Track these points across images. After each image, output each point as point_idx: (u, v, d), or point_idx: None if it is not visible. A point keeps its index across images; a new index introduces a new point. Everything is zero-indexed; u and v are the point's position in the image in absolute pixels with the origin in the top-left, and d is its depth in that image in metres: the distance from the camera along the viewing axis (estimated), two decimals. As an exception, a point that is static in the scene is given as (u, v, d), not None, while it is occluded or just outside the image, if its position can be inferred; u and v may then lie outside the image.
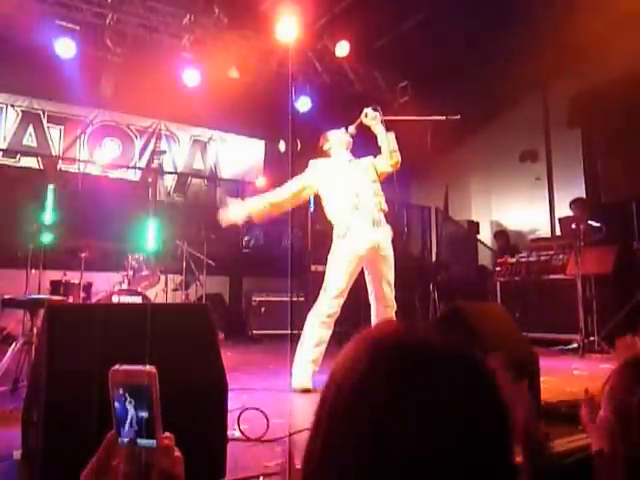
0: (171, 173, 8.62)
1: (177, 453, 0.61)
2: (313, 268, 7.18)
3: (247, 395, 3.29)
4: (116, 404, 0.60)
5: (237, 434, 2.41)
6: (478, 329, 2.70)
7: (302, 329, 4.01)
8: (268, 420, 2.52)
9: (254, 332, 6.95)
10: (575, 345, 5.78)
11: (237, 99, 7.43)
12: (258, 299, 7.09)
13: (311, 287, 7.14)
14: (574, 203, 7.15)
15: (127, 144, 8.31)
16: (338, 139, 4.29)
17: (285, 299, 6.97)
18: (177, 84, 7.34)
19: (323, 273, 7.42)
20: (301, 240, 7.58)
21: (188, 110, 7.81)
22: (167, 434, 0.61)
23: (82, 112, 7.94)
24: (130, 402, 0.59)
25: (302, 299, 6.96)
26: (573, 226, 6.57)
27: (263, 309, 7.01)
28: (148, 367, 0.60)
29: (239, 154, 9.17)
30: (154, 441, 0.60)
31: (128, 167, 8.25)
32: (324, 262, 7.53)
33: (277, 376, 4.04)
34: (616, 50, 6.27)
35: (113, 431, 0.60)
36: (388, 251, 4.05)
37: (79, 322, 1.92)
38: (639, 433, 0.88)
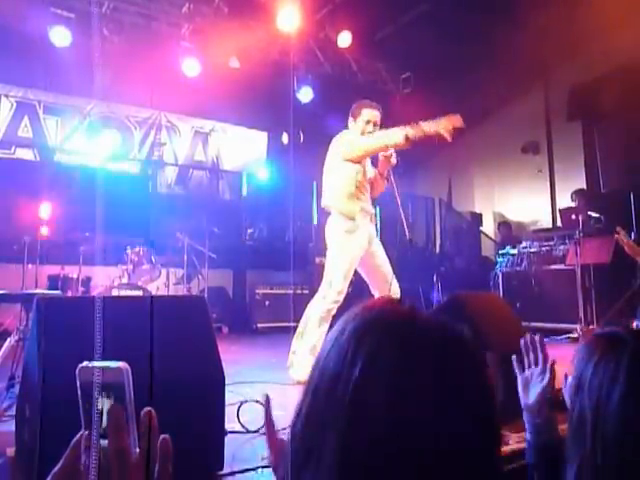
0: (172, 165, 8.33)
1: (135, 458, 0.56)
2: (317, 260, 7.01)
3: (249, 388, 3.23)
4: (86, 402, 0.57)
5: (237, 427, 2.38)
6: (476, 319, 2.69)
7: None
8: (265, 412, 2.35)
9: (258, 325, 6.75)
10: (575, 334, 5.75)
11: (238, 89, 7.20)
12: (262, 292, 6.89)
13: (315, 279, 6.98)
14: (575, 194, 7.13)
15: (126, 135, 8.01)
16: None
17: (289, 292, 6.80)
18: (177, 74, 7.06)
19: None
20: (305, 232, 7.36)
21: (188, 101, 7.55)
22: (164, 436, 0.58)
23: (79, 103, 7.61)
24: (102, 400, 0.56)
25: (306, 292, 6.76)
26: (573, 217, 6.57)
27: (267, 302, 6.80)
28: (120, 363, 0.57)
29: (241, 146, 8.91)
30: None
31: (128, 159, 7.95)
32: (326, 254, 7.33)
33: (280, 369, 3.91)
34: (615, 43, 6.20)
35: (83, 431, 0.57)
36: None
37: (72, 316, 1.81)
38: (589, 398, 0.87)
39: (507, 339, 2.96)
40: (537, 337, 1.34)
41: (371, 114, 3.99)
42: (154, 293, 5.53)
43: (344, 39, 7.59)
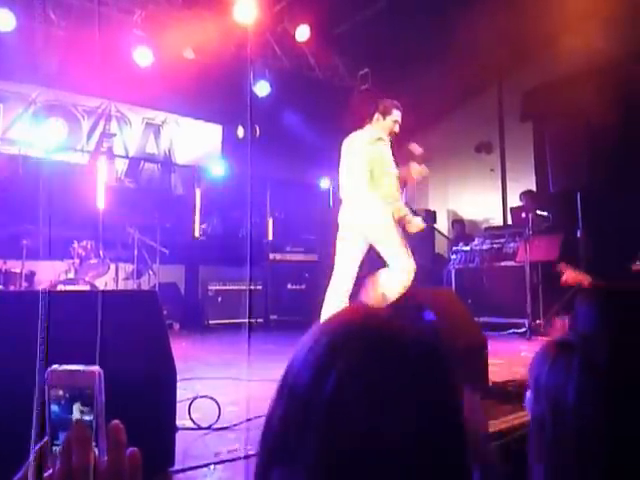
0: (122, 157, 8.13)
1: (102, 472, 0.55)
2: (272, 257, 7.02)
3: (201, 384, 3.28)
4: (54, 407, 0.55)
5: (189, 423, 2.40)
6: (435, 312, 2.84)
7: (259, 318, 3.85)
8: (220, 408, 2.50)
9: (210, 322, 6.69)
10: (523, 329, 6.04)
11: (193, 81, 7.08)
12: (214, 288, 6.83)
13: (270, 276, 6.99)
14: (523, 194, 7.38)
15: (73, 125, 7.76)
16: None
17: (242, 288, 6.78)
18: (128, 63, 6.87)
19: (281, 262, 7.27)
20: (259, 228, 7.35)
21: (140, 91, 7.36)
22: (133, 449, 0.56)
23: (23, 90, 7.31)
24: (72, 405, 0.54)
25: (260, 287, 6.77)
26: (523, 215, 6.82)
27: (220, 298, 6.75)
28: (93, 367, 0.55)
29: (195, 139, 8.78)
30: (97, 450, 0.54)
31: (75, 150, 7.71)
32: (283, 251, 7.36)
33: (232, 365, 3.99)
34: (565, 49, 6.44)
35: (46, 439, 0.55)
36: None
37: (11, 311, 1.81)
38: (546, 401, 0.88)
39: (461, 333, 3.11)
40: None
41: (399, 116, 4.16)
42: (102, 289, 5.41)
43: (302, 33, 7.58)
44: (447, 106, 8.67)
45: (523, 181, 8.27)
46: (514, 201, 8.05)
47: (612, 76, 6.49)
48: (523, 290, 6.23)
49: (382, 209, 3.88)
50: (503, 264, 6.82)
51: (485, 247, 7.15)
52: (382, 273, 3.86)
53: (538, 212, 6.82)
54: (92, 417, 0.54)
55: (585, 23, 6.20)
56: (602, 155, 6.94)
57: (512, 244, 6.83)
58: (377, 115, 4.16)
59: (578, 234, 6.68)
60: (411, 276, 3.75)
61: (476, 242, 7.37)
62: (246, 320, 6.48)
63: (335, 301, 3.87)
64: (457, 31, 6.88)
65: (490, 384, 3.08)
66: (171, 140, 8.64)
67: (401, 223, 4.04)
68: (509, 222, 7.84)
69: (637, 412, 0.83)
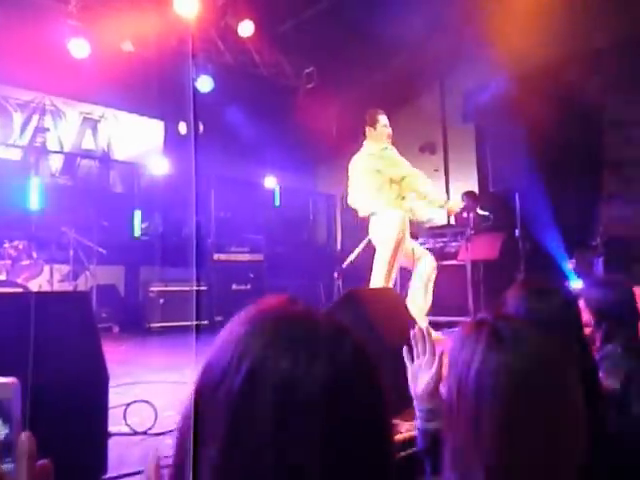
0: (57, 153, 7.83)
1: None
2: (216, 257, 6.94)
3: (140, 389, 3.25)
4: None
5: (125, 429, 2.37)
6: (371, 313, 2.87)
7: (204, 320, 3.93)
8: (156, 412, 2.48)
9: (152, 325, 6.54)
10: None
11: (132, 75, 6.94)
12: (156, 289, 6.67)
13: (214, 276, 6.92)
14: (465, 194, 7.58)
15: (4, 119, 7.42)
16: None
17: (185, 289, 6.66)
18: (63, 55, 6.63)
19: (226, 262, 7.21)
20: (203, 228, 7.26)
21: (76, 84, 7.13)
22: (44, 461, 0.53)
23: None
24: None
25: (204, 288, 6.67)
26: (464, 215, 7.02)
27: (162, 300, 6.61)
28: (9, 379, 0.54)
29: (135, 135, 8.56)
30: (12, 465, 0.52)
31: (7, 144, 7.38)
32: (227, 251, 7.30)
33: (173, 368, 3.90)
34: (509, 50, 6.55)
35: None
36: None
37: None
38: (454, 376, 0.94)
39: (400, 331, 3.18)
40: (424, 329, 1.42)
41: (385, 118, 4.47)
42: (35, 291, 5.22)
43: (246, 28, 7.52)
44: (391, 106, 8.78)
45: (466, 181, 8.51)
46: (457, 200, 8.31)
47: (550, 77, 6.75)
48: (465, 288, 6.24)
49: (387, 223, 4.30)
50: (445, 263, 6.90)
51: (428, 246, 7.24)
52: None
53: (479, 212, 7.09)
54: (7, 430, 0.53)
55: (524, 25, 6.35)
56: (540, 155, 7.21)
57: (454, 243, 7.03)
58: (367, 128, 4.47)
59: (516, 233, 6.98)
60: None
61: (420, 241, 7.55)
62: (189, 323, 6.38)
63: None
64: (400, 31, 7.03)
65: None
66: (110, 136, 8.39)
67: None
68: (451, 221, 7.99)
69: (532, 383, 0.87)
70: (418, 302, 4.39)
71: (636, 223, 7.06)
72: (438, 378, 1.32)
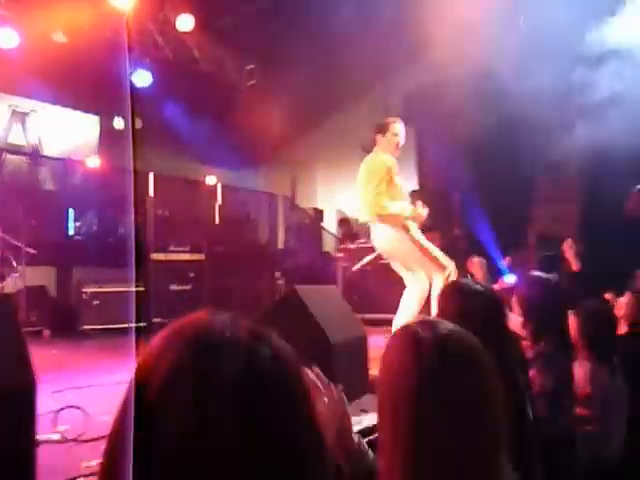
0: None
1: None
2: (154, 256, 6.83)
3: (73, 394, 3.21)
4: None
5: (55, 436, 2.34)
6: (313, 311, 2.91)
7: (142, 321, 3.88)
8: (88, 418, 2.47)
9: (86, 327, 6.38)
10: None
11: (65, 68, 6.74)
12: (90, 291, 6.51)
13: (152, 276, 6.82)
14: (412, 194, 7.78)
15: None
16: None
17: (121, 290, 6.53)
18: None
19: (164, 262, 7.11)
20: (139, 227, 7.14)
21: (4, 76, 6.88)
22: None
23: None
24: None
25: (141, 289, 6.57)
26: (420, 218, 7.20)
27: (96, 302, 6.46)
28: None
29: (68, 129, 8.32)
30: None
31: None
32: (166, 250, 7.20)
33: (108, 372, 3.84)
34: (450, 53, 6.71)
35: None
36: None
37: None
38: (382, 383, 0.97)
39: (342, 329, 3.28)
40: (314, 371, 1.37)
41: (400, 128, 4.40)
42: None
43: (185, 23, 7.49)
44: (334, 105, 8.95)
45: (407, 181, 8.73)
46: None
47: (485, 82, 6.85)
48: (404, 286, 6.60)
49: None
50: (387, 261, 7.19)
51: (370, 245, 7.49)
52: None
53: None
54: None
55: (462, 31, 6.46)
56: (476, 156, 7.50)
57: None
58: (377, 136, 4.41)
59: (455, 231, 7.21)
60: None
61: (362, 240, 7.65)
62: (125, 325, 6.27)
63: None
64: (341, 32, 7.13)
65: (371, 378, 3.18)
66: (40, 130, 8.12)
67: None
68: None
69: (449, 384, 0.91)
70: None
71: (567, 222, 7.46)
72: (344, 419, 1.30)
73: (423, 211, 4.43)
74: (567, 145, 7.57)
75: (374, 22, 6.97)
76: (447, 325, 1.03)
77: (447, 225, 7.00)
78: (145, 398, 0.57)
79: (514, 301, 2.43)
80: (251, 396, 0.57)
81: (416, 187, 8.54)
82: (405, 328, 1.02)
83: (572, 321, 2.48)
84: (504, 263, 6.70)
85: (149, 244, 6.91)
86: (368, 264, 7.21)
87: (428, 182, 8.93)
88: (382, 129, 4.41)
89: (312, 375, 1.34)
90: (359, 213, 4.54)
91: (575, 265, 3.75)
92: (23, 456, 1.86)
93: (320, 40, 7.56)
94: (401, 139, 4.44)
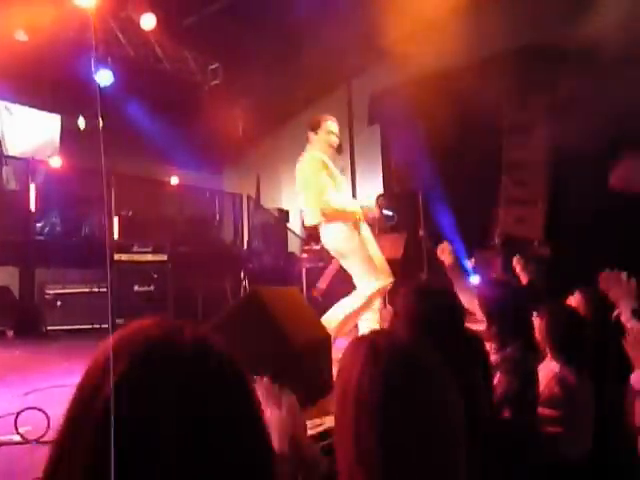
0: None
1: None
2: (117, 257, 6.90)
3: (35, 395, 3.20)
4: None
5: (16, 438, 2.33)
6: (275, 312, 2.89)
7: (104, 322, 3.84)
8: (49, 420, 2.46)
9: (49, 328, 6.45)
10: None
11: (27, 66, 6.77)
12: (53, 292, 6.57)
13: (115, 277, 6.89)
14: (379, 197, 7.85)
15: None
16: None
17: (85, 291, 6.60)
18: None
19: (128, 262, 7.14)
20: (103, 227, 7.21)
21: (-35, 74, 6.86)
22: None
23: None
24: None
25: (104, 290, 6.65)
26: (369, 215, 7.30)
27: (59, 302, 6.53)
28: None
29: (30, 129, 8.30)
30: None
31: None
32: (129, 251, 7.22)
33: (70, 373, 3.80)
34: (414, 52, 6.80)
35: None
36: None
37: None
38: (339, 388, 0.97)
39: (305, 330, 3.20)
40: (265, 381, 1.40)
41: (333, 126, 4.25)
42: None
43: (147, 21, 7.55)
44: (297, 105, 9.01)
45: (371, 182, 8.89)
46: (363, 201, 8.58)
47: (450, 82, 7.04)
48: None
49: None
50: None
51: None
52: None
53: (384, 211, 7.35)
54: None
55: (427, 32, 6.72)
56: (441, 158, 7.57)
57: None
58: (309, 134, 4.27)
59: (420, 233, 7.18)
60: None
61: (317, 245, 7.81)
62: (88, 326, 6.35)
63: None
64: (307, 31, 7.16)
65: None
66: (2, 130, 8.10)
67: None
68: None
69: (407, 396, 0.90)
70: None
71: (531, 224, 7.58)
72: (295, 433, 1.30)
73: (372, 209, 4.41)
74: (532, 145, 7.72)
75: (338, 19, 6.99)
76: (401, 337, 1.08)
77: (412, 226, 7.08)
78: (93, 406, 0.60)
79: (477, 303, 2.44)
80: (196, 406, 0.60)
81: (380, 188, 8.71)
82: (360, 339, 1.03)
83: (538, 323, 2.48)
84: (469, 264, 6.84)
85: (112, 244, 6.97)
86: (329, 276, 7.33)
87: (392, 183, 9.02)
88: (314, 126, 4.25)
89: (262, 385, 1.36)
90: (306, 218, 4.41)
91: (524, 279, 3.84)
92: None
93: (284, 39, 7.66)
94: (335, 138, 4.26)
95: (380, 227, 6.80)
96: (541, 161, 7.74)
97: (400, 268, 6.49)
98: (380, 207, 7.28)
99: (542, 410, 2.18)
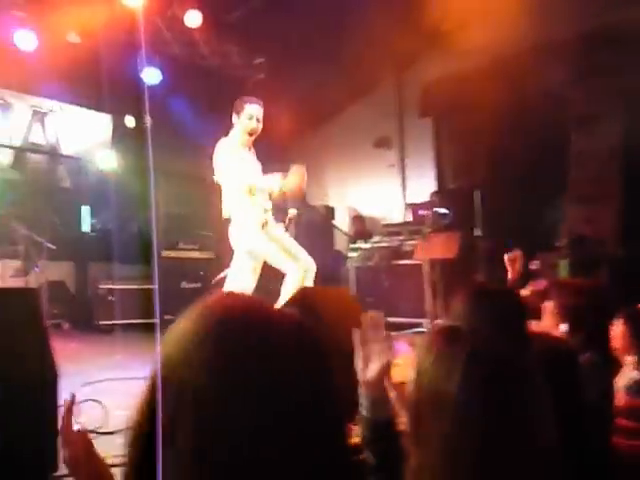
0: (4, 147, 7.95)
1: None
2: (164, 254, 7.13)
3: (90, 387, 3.39)
4: None
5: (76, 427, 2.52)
6: (324, 314, 2.91)
7: (154, 318, 3.96)
8: (106, 411, 2.64)
9: (101, 322, 6.77)
10: (423, 328, 6.28)
11: (79, 67, 7.13)
12: (105, 287, 6.90)
13: (163, 274, 7.15)
14: (434, 194, 7.73)
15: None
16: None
17: (134, 287, 6.85)
18: (9, 46, 6.86)
19: (175, 259, 7.36)
20: (152, 224, 7.47)
21: (24, 77, 7.35)
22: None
23: None
24: None
25: (154, 286, 6.91)
26: (421, 212, 7.16)
27: (111, 297, 6.84)
28: None
29: (83, 128, 8.76)
30: None
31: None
32: (176, 248, 7.44)
33: (124, 367, 4.12)
34: (464, 42, 6.65)
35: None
36: None
37: None
38: (426, 394, 0.96)
39: (348, 332, 3.27)
40: (378, 315, 1.43)
41: (253, 109, 4.20)
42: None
43: (193, 18, 7.77)
44: (344, 99, 8.97)
45: (422, 177, 8.75)
46: (413, 198, 8.48)
47: (513, 70, 6.76)
48: (421, 289, 6.49)
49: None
50: (402, 262, 7.11)
51: (384, 244, 7.46)
52: None
53: (437, 209, 7.03)
54: None
55: (484, 15, 6.42)
56: (502, 151, 7.26)
57: (411, 241, 7.11)
58: (233, 117, 4.25)
59: (476, 232, 6.98)
60: None
61: (375, 239, 7.71)
62: (138, 321, 6.59)
63: None
64: (355, 21, 7.11)
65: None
66: (58, 129, 8.56)
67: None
68: (408, 219, 8.12)
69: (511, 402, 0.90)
70: None
71: (603, 222, 7.03)
72: (387, 370, 1.34)
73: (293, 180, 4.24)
74: (603, 136, 7.11)
75: (386, 7, 6.90)
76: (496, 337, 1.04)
77: (467, 225, 6.87)
78: (176, 387, 0.60)
79: (547, 307, 2.32)
80: (290, 389, 0.60)
81: (433, 184, 8.57)
82: (453, 339, 1.01)
83: (619, 329, 2.39)
84: (532, 266, 6.53)
85: (159, 241, 7.22)
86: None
87: (446, 179, 8.79)
88: (236, 109, 4.19)
89: (371, 318, 1.40)
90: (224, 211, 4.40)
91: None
92: (49, 444, 1.94)
93: (330, 31, 7.67)
94: (255, 123, 4.18)
95: (433, 226, 6.73)
96: (613, 154, 7.21)
97: (454, 269, 6.41)
98: (433, 205, 7.15)
99: (621, 421, 2.11)
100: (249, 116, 4.19)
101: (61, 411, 1.28)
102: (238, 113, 4.21)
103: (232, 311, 0.65)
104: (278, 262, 4.34)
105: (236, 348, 0.61)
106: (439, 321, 5.59)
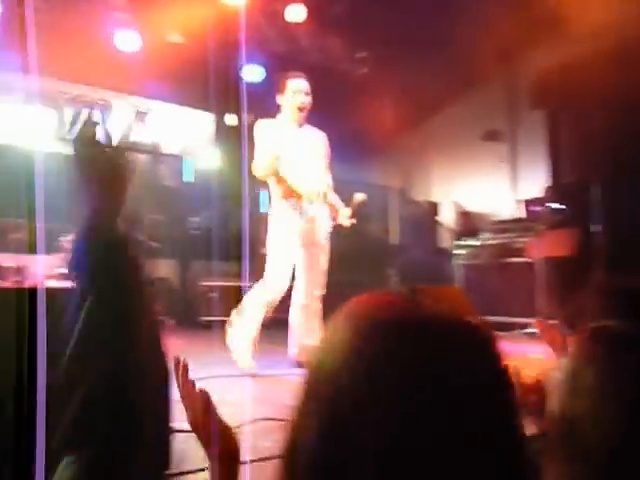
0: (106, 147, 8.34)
1: None
2: (263, 251, 7.21)
3: (198, 384, 3.31)
4: None
5: (186, 426, 2.50)
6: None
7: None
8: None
9: (204, 318, 6.94)
10: (533, 329, 5.90)
11: (180, 67, 7.37)
12: (207, 284, 7.08)
13: (261, 271, 7.23)
14: (549, 189, 7.42)
15: (56, 113, 8.03)
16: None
17: (236, 284, 6.98)
18: (111, 48, 7.18)
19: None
20: (252, 222, 7.58)
21: (125, 77, 7.71)
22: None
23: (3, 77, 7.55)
24: None
25: (252, 283, 7.01)
26: (534, 208, 6.89)
27: (213, 294, 7.01)
28: None
29: (183, 127, 9.06)
30: None
31: (58, 139, 7.94)
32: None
33: (226, 363, 4.19)
34: (582, 28, 6.32)
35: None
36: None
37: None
38: (584, 404, 0.88)
39: None
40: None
41: (297, 83, 4.09)
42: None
43: (295, 13, 7.85)
44: (450, 92, 8.86)
45: (535, 172, 8.41)
46: (525, 193, 8.22)
47: (632, 57, 6.37)
48: (532, 288, 6.36)
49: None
50: (512, 260, 6.98)
51: (493, 241, 7.32)
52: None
53: (551, 205, 6.89)
54: None
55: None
56: (624, 142, 6.87)
57: (522, 239, 6.97)
58: (277, 98, 4.15)
59: (595, 229, 6.62)
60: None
61: (483, 236, 7.57)
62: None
63: None
64: (463, 11, 7.02)
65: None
66: (158, 129, 8.93)
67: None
68: (519, 215, 7.93)
69: None
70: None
71: None
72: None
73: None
74: None
75: None
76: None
77: (584, 221, 6.61)
78: (340, 392, 0.58)
79: None
80: (467, 390, 0.58)
81: (546, 179, 8.19)
82: (616, 343, 0.92)
83: None
84: None
85: (259, 239, 7.30)
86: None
87: (561, 174, 8.50)
88: (280, 88, 4.04)
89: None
90: None
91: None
92: (163, 441, 1.99)
93: (435, 22, 7.52)
94: (303, 97, 3.98)
95: (547, 222, 6.53)
96: None
97: (569, 268, 6.14)
98: (547, 201, 6.86)
99: None
100: (295, 90, 4.05)
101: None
102: (282, 91, 4.09)
103: (403, 314, 0.64)
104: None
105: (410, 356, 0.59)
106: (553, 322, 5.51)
